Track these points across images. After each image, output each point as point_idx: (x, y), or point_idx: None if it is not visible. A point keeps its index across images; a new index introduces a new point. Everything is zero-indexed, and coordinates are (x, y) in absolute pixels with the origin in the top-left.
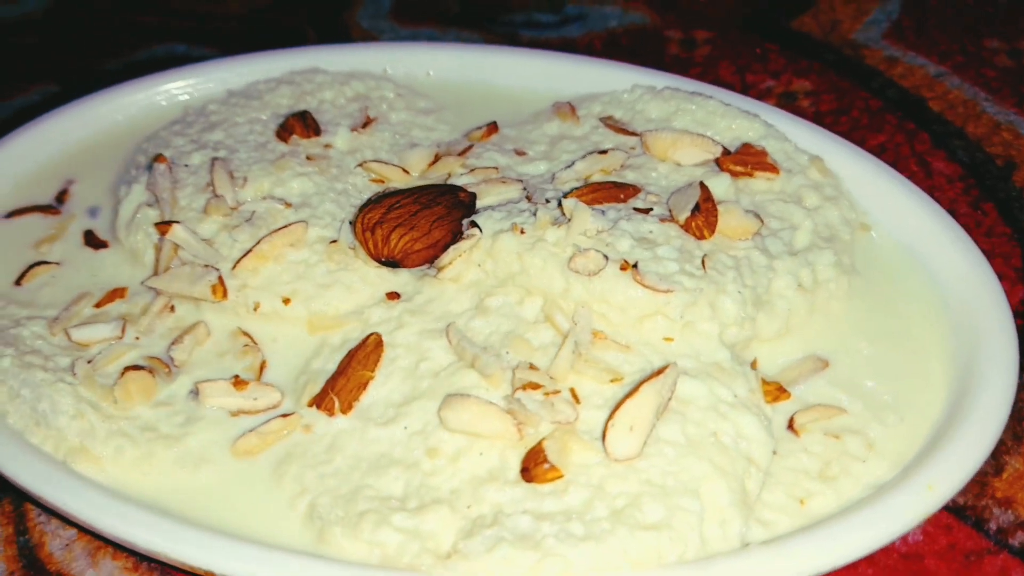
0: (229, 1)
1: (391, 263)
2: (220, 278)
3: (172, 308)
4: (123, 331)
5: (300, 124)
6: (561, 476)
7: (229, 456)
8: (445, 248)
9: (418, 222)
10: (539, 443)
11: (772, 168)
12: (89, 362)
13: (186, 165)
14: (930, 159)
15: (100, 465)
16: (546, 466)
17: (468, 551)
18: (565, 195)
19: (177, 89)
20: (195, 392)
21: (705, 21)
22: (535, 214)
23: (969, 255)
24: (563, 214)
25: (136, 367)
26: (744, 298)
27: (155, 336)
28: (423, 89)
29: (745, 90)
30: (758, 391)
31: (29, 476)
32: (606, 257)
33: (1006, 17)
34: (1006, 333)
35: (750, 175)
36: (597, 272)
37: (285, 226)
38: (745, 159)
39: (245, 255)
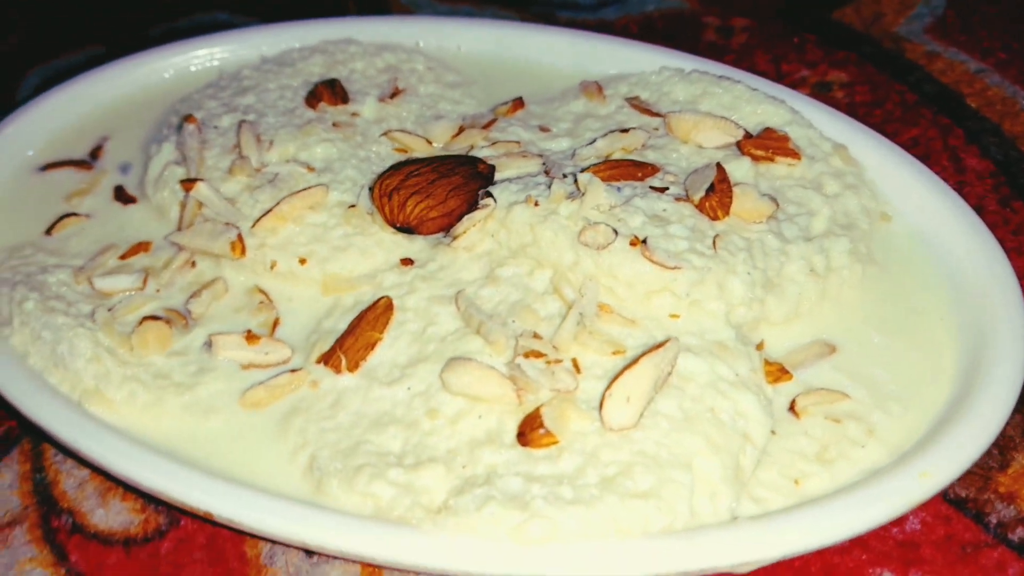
0: None
1: (406, 229)
2: (240, 235)
3: (193, 264)
4: (144, 283)
5: (328, 91)
6: (556, 442)
7: (237, 407)
8: (460, 217)
9: (435, 190)
10: (536, 409)
11: (794, 154)
12: (109, 310)
13: (215, 127)
14: (963, 155)
15: (113, 408)
16: (542, 431)
17: (457, 507)
18: (583, 170)
19: (213, 54)
20: (209, 344)
21: (745, 9)
22: (551, 187)
23: (987, 249)
24: (578, 189)
25: (154, 317)
26: (753, 280)
27: (175, 289)
28: (454, 63)
29: (780, 79)
30: (760, 371)
31: (46, 416)
32: (616, 231)
33: None
34: (1016, 329)
35: (771, 160)
36: (606, 246)
37: (306, 189)
38: (767, 143)
39: (265, 214)
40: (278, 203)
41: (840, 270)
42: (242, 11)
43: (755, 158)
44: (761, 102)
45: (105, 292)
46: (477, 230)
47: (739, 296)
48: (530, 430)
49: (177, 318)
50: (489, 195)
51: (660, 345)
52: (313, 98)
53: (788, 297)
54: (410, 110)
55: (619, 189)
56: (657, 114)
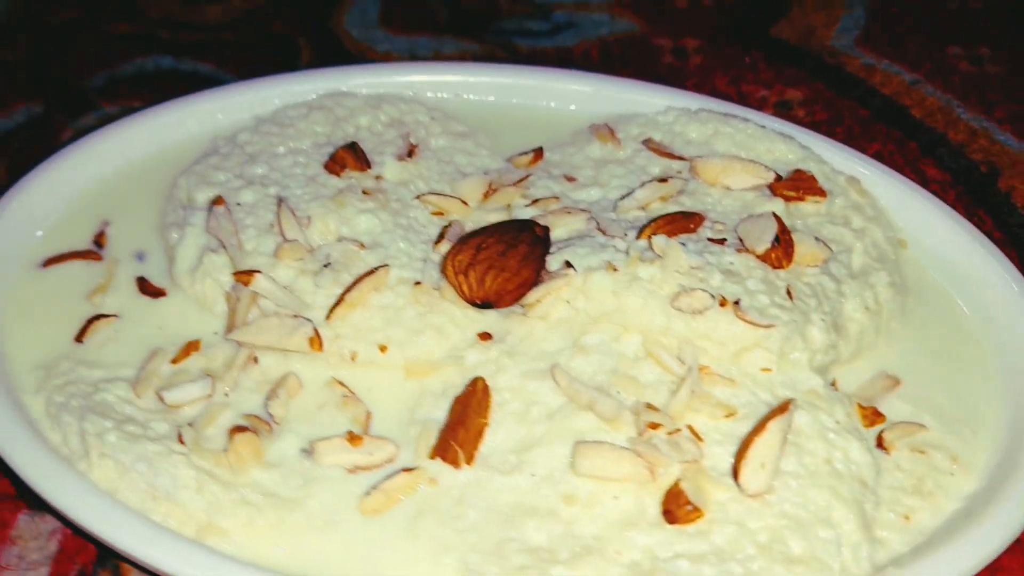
0: (206, 8)
1: (486, 305)
2: (316, 330)
3: (255, 359)
4: (213, 388)
5: (352, 157)
6: (702, 515)
7: (357, 516)
8: (531, 286)
9: (507, 262)
10: (676, 484)
11: (821, 192)
12: (190, 425)
13: (238, 203)
14: (923, 167)
15: (229, 537)
16: (689, 507)
17: None
18: (642, 228)
19: (198, 117)
20: (308, 451)
21: (690, 28)
22: (625, 251)
23: (996, 260)
24: (651, 249)
25: (240, 428)
26: (827, 325)
27: (243, 391)
28: (452, 111)
29: (742, 100)
30: (855, 415)
31: (177, 563)
32: (712, 296)
33: (961, 23)
34: None
35: (801, 199)
36: (703, 311)
37: (372, 271)
38: (798, 184)
39: (337, 304)
40: (347, 290)
41: (887, 303)
42: (186, 53)
43: (787, 199)
44: (773, 140)
45: (176, 405)
46: (553, 298)
47: (820, 343)
48: (676, 507)
49: (260, 424)
50: (568, 264)
51: (782, 408)
52: (336, 164)
53: (852, 336)
54: (430, 167)
55: (685, 245)
56: (679, 157)
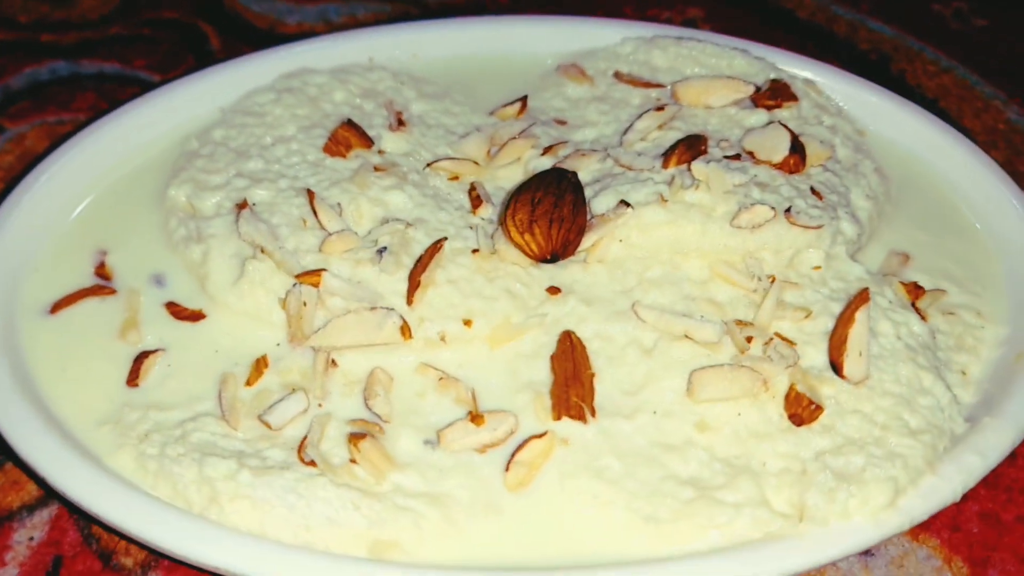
0: (78, 2)
1: (553, 258)
2: (402, 317)
3: (334, 363)
4: (307, 401)
5: (355, 134)
6: (823, 411)
7: (508, 494)
8: (584, 232)
9: (563, 212)
10: (791, 388)
11: (794, 97)
12: (306, 446)
13: (254, 204)
14: (825, 62)
15: (401, 548)
16: (812, 407)
17: (815, 505)
18: (664, 156)
19: (155, 121)
20: (432, 441)
21: None
22: (667, 182)
23: (950, 132)
24: (690, 175)
25: (356, 435)
26: (851, 216)
27: (335, 397)
28: (418, 72)
29: (649, 22)
30: (900, 291)
31: None
32: (773, 208)
33: None
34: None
35: (779, 106)
36: (762, 224)
37: (433, 247)
38: (775, 92)
39: (414, 287)
40: (416, 271)
41: (878, 187)
42: (81, 55)
43: (768, 107)
44: (732, 56)
45: (280, 427)
46: (608, 240)
47: (850, 234)
48: (800, 408)
49: (371, 427)
50: (624, 203)
51: (862, 297)
52: (338, 144)
53: (864, 223)
54: (424, 133)
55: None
56: (656, 84)
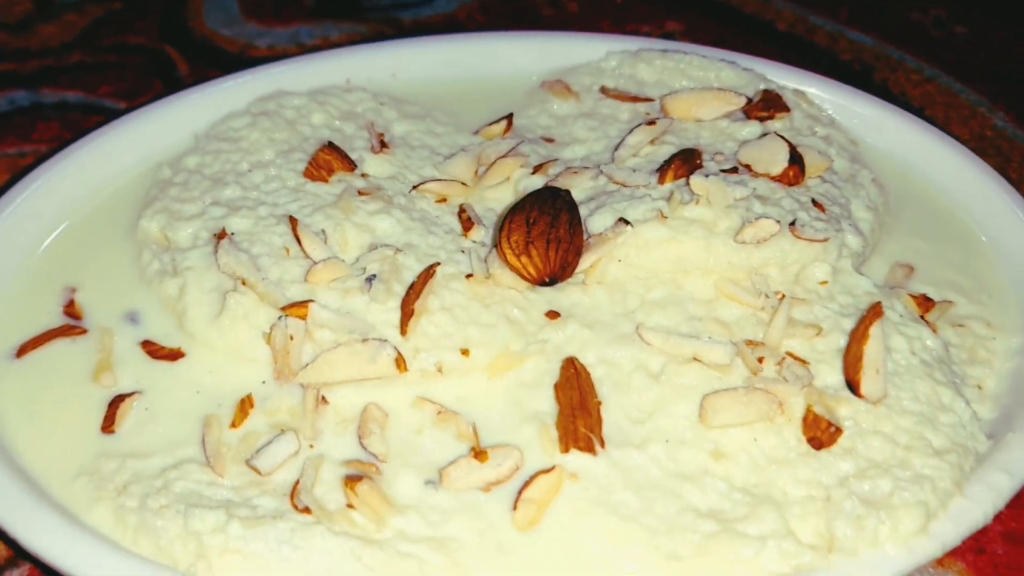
0: (38, 29)
1: (552, 281)
2: (397, 350)
3: (324, 399)
4: (298, 443)
5: (337, 157)
6: (842, 432)
7: (517, 534)
8: (582, 252)
9: (559, 232)
10: (808, 410)
11: (786, 108)
12: (299, 492)
13: (232, 233)
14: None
15: None
16: (831, 429)
17: (843, 534)
18: (660, 172)
19: (125, 149)
20: (433, 481)
21: None
22: (665, 198)
23: (946, 140)
24: (691, 192)
25: (352, 477)
26: (855, 228)
27: (328, 436)
28: (398, 93)
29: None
30: (910, 304)
31: None
32: (778, 222)
33: None
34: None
35: (772, 117)
36: (768, 238)
37: (425, 273)
38: (767, 104)
39: (407, 317)
40: (408, 299)
41: (876, 198)
42: (42, 84)
43: (761, 119)
44: (720, 68)
45: (268, 472)
46: (606, 260)
47: (855, 247)
48: (819, 431)
49: (367, 468)
50: (623, 221)
51: (875, 312)
52: (319, 169)
53: (866, 233)
54: (408, 154)
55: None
56: (643, 99)
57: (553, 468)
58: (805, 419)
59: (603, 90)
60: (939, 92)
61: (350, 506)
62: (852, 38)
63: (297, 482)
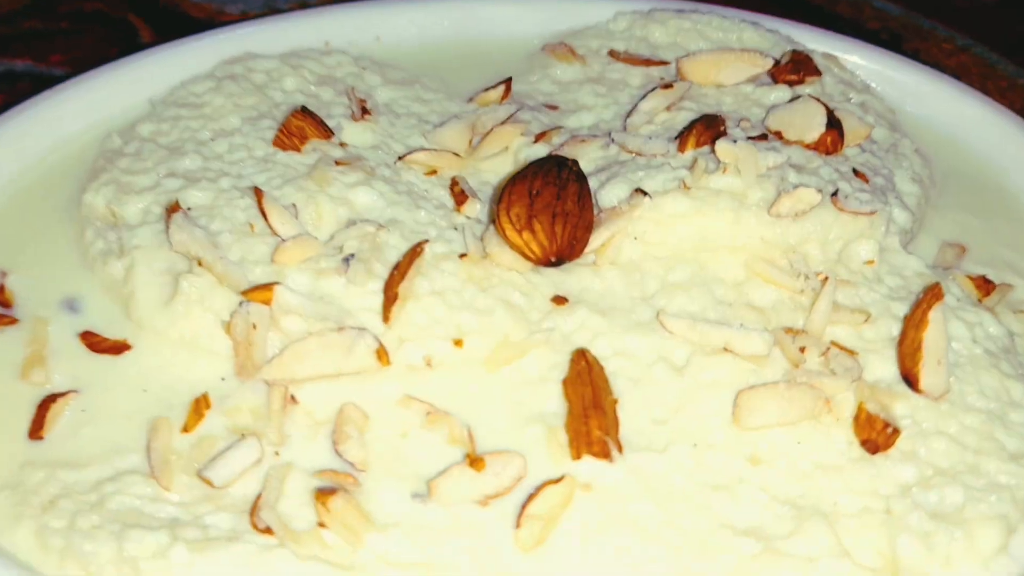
0: None
1: (559, 261)
2: (377, 339)
3: (293, 398)
4: (260, 450)
5: (311, 123)
6: (900, 433)
7: (522, 556)
8: (592, 228)
9: (566, 205)
10: (860, 408)
11: (818, 72)
12: (259, 508)
13: (188, 208)
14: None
15: None
16: (889, 430)
17: (910, 554)
18: (679, 138)
19: (70, 116)
20: (421, 494)
21: None
22: (688, 167)
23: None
24: (717, 160)
25: (323, 491)
26: (902, 202)
27: (297, 442)
28: (381, 58)
29: None
30: (968, 287)
31: None
32: (819, 191)
33: None
34: None
35: (802, 82)
36: (807, 211)
37: (412, 252)
38: (797, 67)
39: (390, 301)
40: (392, 282)
41: (922, 170)
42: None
43: (791, 83)
44: (742, 29)
45: (224, 484)
46: (620, 237)
47: (903, 222)
48: (874, 433)
49: (342, 478)
50: (641, 191)
51: (934, 294)
52: (291, 136)
53: (912, 208)
54: (393, 123)
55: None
56: (658, 62)
57: (562, 478)
58: (857, 418)
59: (612, 54)
60: (974, 63)
61: (321, 524)
62: (877, 6)
63: (259, 497)
